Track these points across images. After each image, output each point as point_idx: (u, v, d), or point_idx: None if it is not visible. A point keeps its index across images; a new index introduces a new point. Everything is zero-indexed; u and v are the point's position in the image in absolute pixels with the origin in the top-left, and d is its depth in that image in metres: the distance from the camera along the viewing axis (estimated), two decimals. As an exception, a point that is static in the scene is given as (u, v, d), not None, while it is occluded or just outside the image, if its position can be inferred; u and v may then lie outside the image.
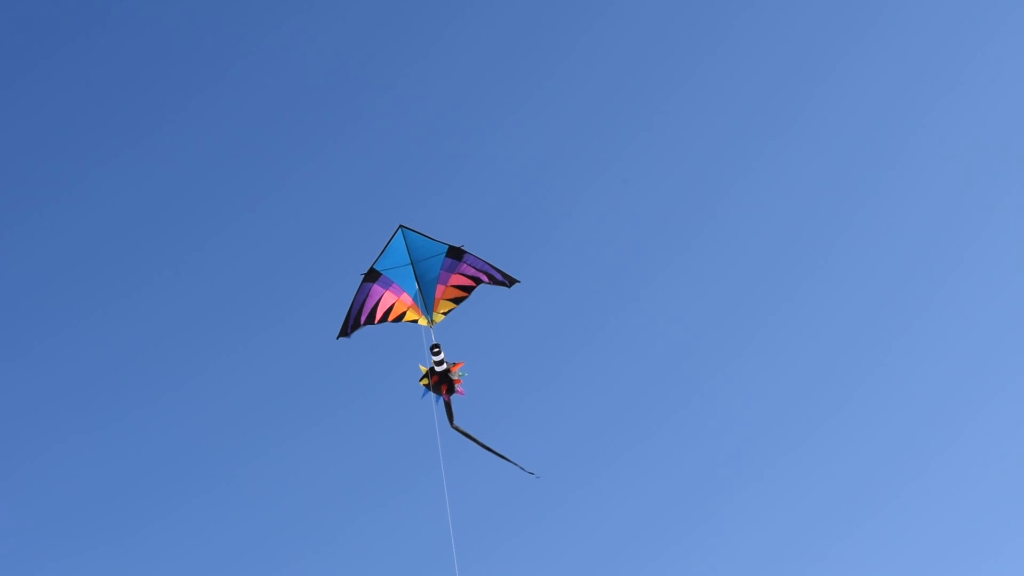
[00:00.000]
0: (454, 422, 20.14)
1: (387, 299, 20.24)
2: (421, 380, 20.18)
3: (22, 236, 35.69)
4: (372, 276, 20.17)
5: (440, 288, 20.18)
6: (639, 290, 35.76)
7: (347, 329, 20.25)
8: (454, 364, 20.18)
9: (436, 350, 20.10)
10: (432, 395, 20.17)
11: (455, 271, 20.11)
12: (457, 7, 37.79)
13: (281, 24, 37.30)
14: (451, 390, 20.13)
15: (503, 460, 20.20)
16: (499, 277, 20.04)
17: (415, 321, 20.35)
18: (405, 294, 20.27)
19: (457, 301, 20.25)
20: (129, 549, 31.86)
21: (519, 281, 20.11)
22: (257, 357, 34.54)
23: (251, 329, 35.02)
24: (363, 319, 20.24)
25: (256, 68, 37.24)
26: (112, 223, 36.16)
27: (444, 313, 20.27)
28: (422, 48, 37.43)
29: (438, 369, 20.08)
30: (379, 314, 20.24)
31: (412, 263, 20.15)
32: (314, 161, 36.58)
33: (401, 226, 19.97)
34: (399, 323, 20.38)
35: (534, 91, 37.32)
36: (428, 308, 20.25)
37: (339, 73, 37.25)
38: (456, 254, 20.04)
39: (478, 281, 20.11)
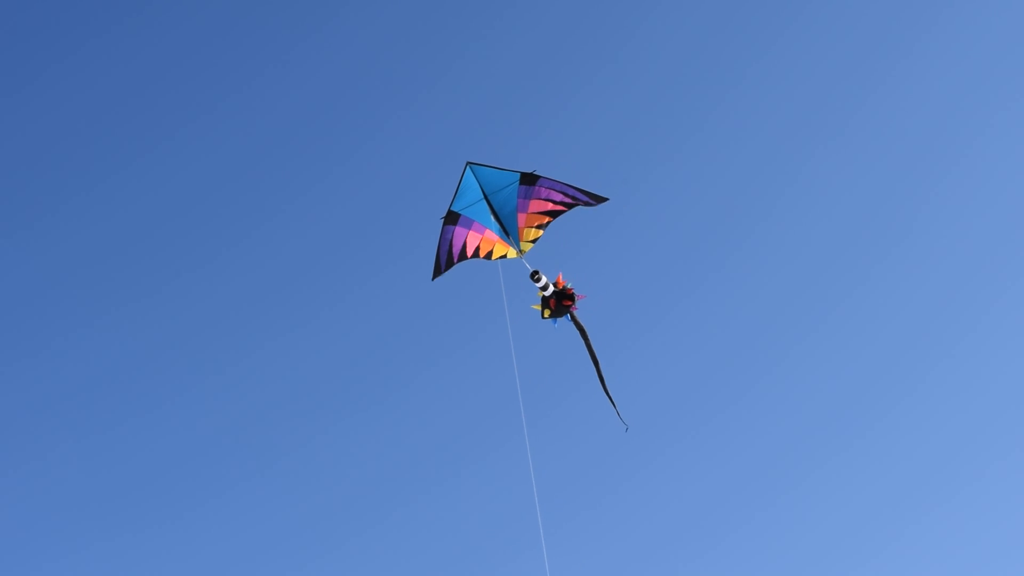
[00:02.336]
0: (589, 340, 19.84)
1: (472, 239, 19.96)
2: (544, 315, 19.89)
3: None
4: (452, 218, 19.91)
5: (522, 217, 19.81)
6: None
7: (440, 269, 20.05)
8: (557, 279, 19.84)
9: (536, 276, 19.74)
10: (564, 319, 19.87)
11: (533, 197, 19.69)
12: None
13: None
14: (572, 299, 19.78)
15: (608, 398, 19.86)
16: (582, 197, 19.53)
17: (505, 256, 20.03)
18: (488, 230, 19.95)
19: (543, 227, 19.84)
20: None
21: (607, 199, 19.55)
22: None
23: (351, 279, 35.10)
24: (456, 258, 20.00)
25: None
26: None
27: (532, 241, 19.91)
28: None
29: (548, 294, 19.75)
30: (469, 251, 19.98)
31: (487, 197, 19.82)
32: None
33: (468, 163, 19.66)
34: (491, 260, 20.09)
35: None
36: (515, 239, 19.90)
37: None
38: (530, 180, 19.62)
39: (565, 205, 19.64)
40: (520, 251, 19.94)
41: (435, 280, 20.12)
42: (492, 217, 19.86)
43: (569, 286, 19.79)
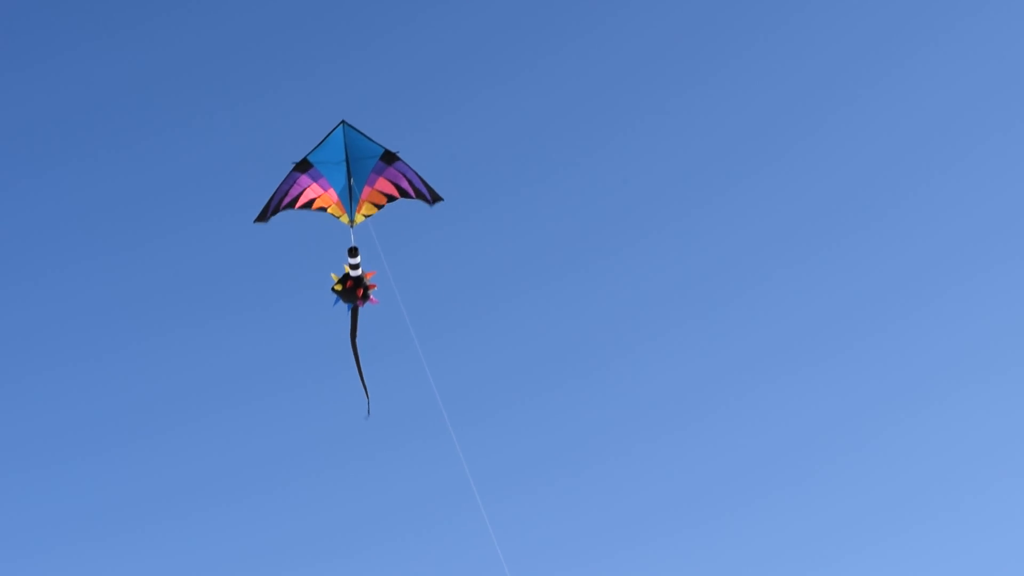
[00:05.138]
0: (356, 336, 20.26)
1: (312, 191, 20.16)
2: (334, 287, 20.21)
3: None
4: (303, 167, 20.03)
5: (367, 190, 20.22)
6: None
7: (266, 214, 20.09)
8: (368, 272, 20.29)
9: (354, 252, 20.15)
10: (343, 304, 20.23)
11: (384, 175, 20.18)
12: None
13: None
14: (365, 297, 20.22)
15: (362, 388, 20.48)
16: (424, 191, 20.18)
17: (336, 217, 20.34)
18: (332, 190, 20.22)
19: (379, 207, 20.33)
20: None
21: (443, 199, 20.28)
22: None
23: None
24: (283, 205, 20.12)
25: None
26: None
27: (365, 216, 20.34)
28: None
29: (354, 274, 20.15)
30: (301, 201, 20.16)
31: (347, 160, 20.13)
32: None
33: (343, 122, 19.94)
34: (318, 212, 20.30)
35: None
36: (352, 208, 20.28)
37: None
38: (389, 159, 20.10)
39: (402, 191, 20.19)
40: (352, 221, 20.32)
41: (255, 223, 20.18)
42: (343, 180, 20.16)
43: (371, 283, 20.32)
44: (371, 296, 20.22)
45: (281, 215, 20.20)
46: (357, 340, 20.29)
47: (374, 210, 20.28)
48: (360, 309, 20.27)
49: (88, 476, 32.47)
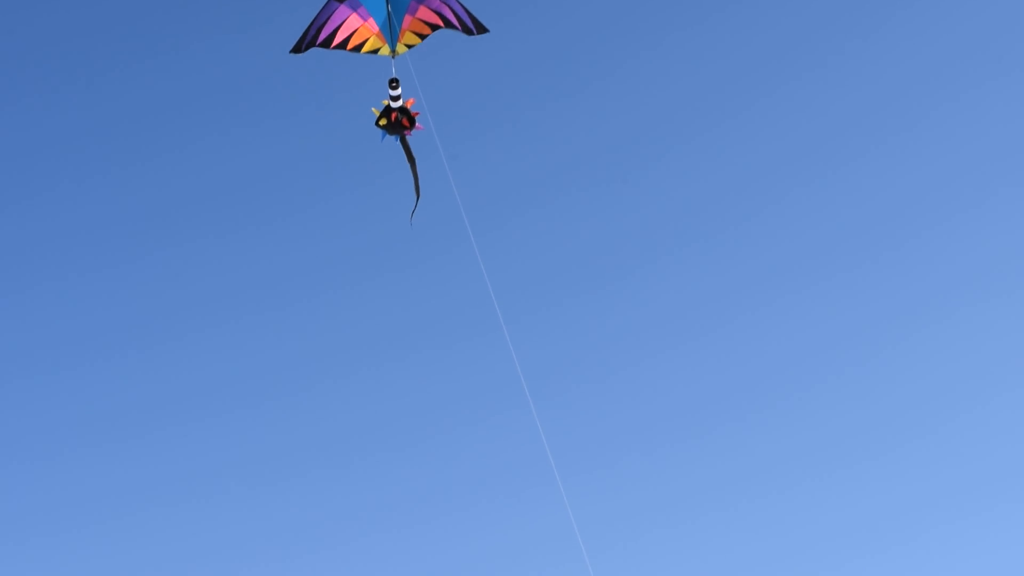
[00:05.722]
0: (412, 157, 19.72)
1: (352, 22, 19.51)
2: (379, 122, 19.57)
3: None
4: None
5: (408, 18, 19.57)
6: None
7: (302, 46, 19.43)
8: (408, 100, 19.68)
9: (395, 84, 19.50)
10: (390, 137, 19.67)
11: (425, 3, 19.51)
12: None
13: None
14: (412, 124, 19.64)
15: (415, 192, 19.96)
16: (467, 21, 19.49)
17: (375, 51, 19.66)
18: (372, 19, 19.56)
19: (422, 37, 19.65)
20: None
21: (488, 31, 19.59)
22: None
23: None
24: (321, 38, 19.44)
25: None
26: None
27: (408, 45, 19.66)
28: None
29: (395, 105, 19.51)
30: (339, 38, 19.49)
31: (387, -14, 19.47)
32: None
33: None
34: (357, 53, 19.65)
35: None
36: (393, 37, 19.59)
37: None
38: None
39: (445, 20, 19.49)
40: (394, 52, 19.64)
41: (290, 53, 19.50)
42: (383, 8, 19.48)
43: (414, 111, 19.70)
44: (417, 123, 19.59)
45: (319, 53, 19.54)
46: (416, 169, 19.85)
47: (417, 40, 19.62)
48: (408, 138, 19.77)
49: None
